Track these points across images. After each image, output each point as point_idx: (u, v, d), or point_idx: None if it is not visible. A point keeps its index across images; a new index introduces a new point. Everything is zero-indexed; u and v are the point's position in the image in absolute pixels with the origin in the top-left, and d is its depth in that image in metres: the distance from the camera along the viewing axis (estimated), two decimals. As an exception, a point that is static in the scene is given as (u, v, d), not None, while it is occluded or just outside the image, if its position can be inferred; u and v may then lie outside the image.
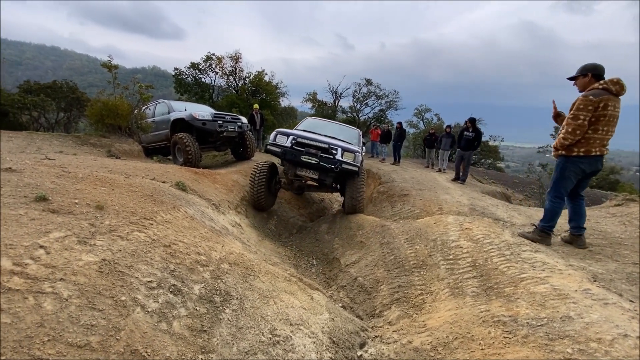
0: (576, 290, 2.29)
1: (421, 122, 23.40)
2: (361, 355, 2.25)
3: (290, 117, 18.85)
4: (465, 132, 8.68)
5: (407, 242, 4.06)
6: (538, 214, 5.00)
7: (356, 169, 4.90)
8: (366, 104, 18.76)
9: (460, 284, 2.95)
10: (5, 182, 1.83)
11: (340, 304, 3.51)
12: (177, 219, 2.44)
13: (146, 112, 9.73)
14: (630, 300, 2.21)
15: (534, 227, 3.53)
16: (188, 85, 16.34)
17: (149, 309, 1.37)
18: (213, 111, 8.92)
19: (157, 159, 7.13)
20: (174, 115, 8.61)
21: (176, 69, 16.43)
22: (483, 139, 20.43)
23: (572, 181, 3.17)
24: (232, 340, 1.52)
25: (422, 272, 3.44)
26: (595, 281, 2.52)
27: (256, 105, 12.10)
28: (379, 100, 18.40)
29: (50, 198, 1.80)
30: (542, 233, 3.40)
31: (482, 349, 1.88)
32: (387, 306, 3.18)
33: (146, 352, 1.22)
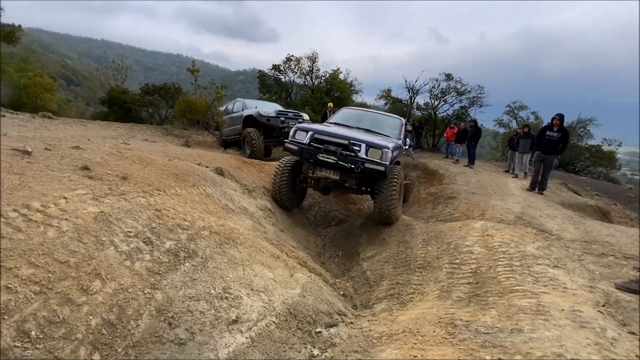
0: (562, 310, 2.05)
1: (514, 120, 20.72)
2: (320, 331, 2.43)
3: (363, 114, 18.92)
4: (548, 132, 7.46)
5: (423, 243, 3.95)
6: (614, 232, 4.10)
7: (382, 168, 4.21)
8: (444, 101, 17.55)
9: (452, 288, 2.84)
10: (68, 155, 2.61)
11: (341, 292, 3.68)
12: (190, 194, 3.00)
13: (228, 108, 11.18)
14: (631, 333, 1.87)
15: None
16: (270, 85, 17.91)
17: (120, 250, 1.86)
18: (278, 109, 9.75)
19: (231, 151, 8.24)
20: (245, 112, 9.76)
21: (260, 71, 18.18)
22: (596, 142, 16.94)
23: None
24: (181, 286, 1.93)
25: (423, 273, 3.36)
26: (603, 305, 2.17)
27: (331, 104, 12.60)
28: (460, 97, 16.99)
29: (91, 168, 2.51)
30: None
31: (414, 344, 1.89)
32: (379, 300, 3.24)
33: (106, 276, 1.71)
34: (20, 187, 1.91)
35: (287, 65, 18.27)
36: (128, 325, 1.61)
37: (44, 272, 1.57)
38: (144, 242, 2.00)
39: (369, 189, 4.92)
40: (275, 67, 18.14)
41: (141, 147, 4.33)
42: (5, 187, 1.86)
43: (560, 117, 7.31)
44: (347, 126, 5.27)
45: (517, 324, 1.88)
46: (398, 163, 4.96)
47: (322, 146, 4.33)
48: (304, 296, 2.66)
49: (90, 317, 1.55)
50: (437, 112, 18.04)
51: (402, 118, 6.00)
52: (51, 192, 1.98)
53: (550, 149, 7.31)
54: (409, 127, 6.84)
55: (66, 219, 1.83)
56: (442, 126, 18.22)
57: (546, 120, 20.32)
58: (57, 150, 2.66)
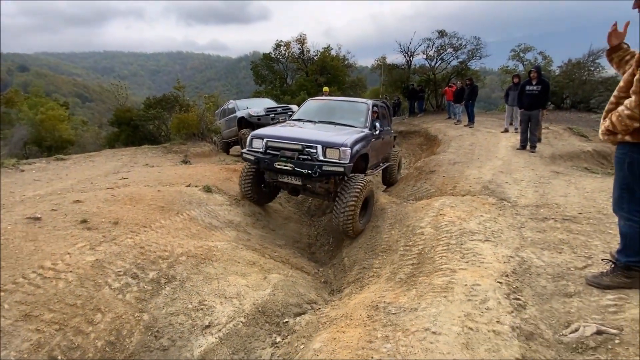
0: (465, 285, 2.51)
1: (521, 65, 19.76)
2: (287, 321, 3.04)
3: (359, 88, 18.79)
4: (527, 86, 7.43)
5: (389, 226, 4.41)
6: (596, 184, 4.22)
7: (341, 169, 3.98)
8: (441, 59, 17.05)
9: (398, 270, 3.33)
10: (70, 211, 3.28)
11: (323, 279, 4.29)
12: (174, 223, 3.63)
13: (224, 109, 11.67)
14: (516, 299, 2.31)
15: (612, 263, 2.32)
16: (264, 76, 18.13)
17: (113, 287, 2.52)
18: (267, 106, 10.15)
19: (230, 159, 8.85)
20: (238, 114, 10.28)
21: (252, 62, 18.36)
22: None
23: None
24: (163, 306, 2.57)
25: (384, 257, 3.86)
26: (506, 276, 2.60)
27: (326, 88, 12.76)
28: (457, 52, 16.44)
29: (88, 220, 3.16)
30: (630, 272, 2.21)
31: (341, 327, 2.43)
32: (348, 285, 3.80)
33: (104, 309, 2.37)
34: (35, 252, 2.58)
35: (277, 52, 18.30)
36: (124, 342, 2.27)
37: (60, 314, 2.24)
38: (131, 277, 2.65)
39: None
40: (267, 56, 18.24)
41: (137, 179, 5.01)
42: (25, 254, 2.54)
43: (537, 69, 7.26)
44: (312, 121, 5.18)
45: (419, 303, 2.37)
46: (365, 156, 4.86)
47: (278, 152, 4.20)
48: (274, 294, 3.26)
49: (97, 341, 2.21)
50: (435, 73, 17.60)
51: (368, 101, 5.66)
52: (58, 250, 2.65)
53: (533, 104, 7.31)
54: (381, 105, 6.24)
55: (71, 271, 2.49)
56: (443, 85, 17.82)
57: (556, 60, 19.13)
58: (61, 209, 3.34)
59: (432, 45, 16.32)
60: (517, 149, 7.75)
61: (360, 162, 4.78)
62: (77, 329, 2.21)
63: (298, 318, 3.09)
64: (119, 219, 3.28)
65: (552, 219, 3.63)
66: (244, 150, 4.55)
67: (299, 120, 5.39)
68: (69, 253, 2.65)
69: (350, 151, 4.12)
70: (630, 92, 1.97)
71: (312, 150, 4.10)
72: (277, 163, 4.19)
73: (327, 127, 4.93)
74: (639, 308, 1.99)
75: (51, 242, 2.74)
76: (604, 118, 2.19)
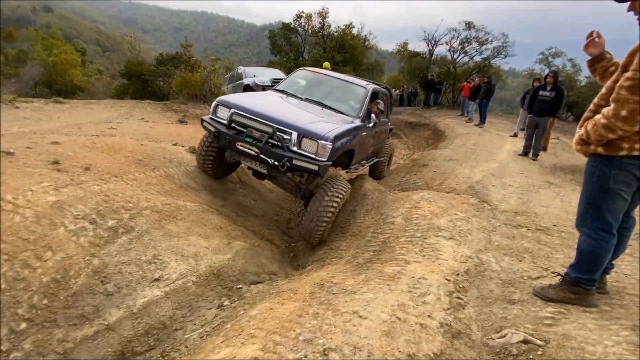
0: (413, 277, 2.51)
1: (547, 70, 18.90)
2: (241, 287, 3.09)
3: (376, 71, 18.29)
4: (541, 91, 7.12)
5: (364, 212, 4.39)
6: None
7: (315, 167, 3.24)
8: (464, 52, 16.39)
9: (360, 254, 3.34)
10: (45, 151, 3.32)
11: (292, 254, 4.34)
12: (147, 178, 3.65)
13: (233, 75, 11.53)
14: (458, 298, 2.30)
15: (561, 277, 2.24)
16: (280, 46, 17.71)
17: (69, 229, 2.57)
18: (274, 77, 9.98)
19: None
20: (244, 82, 10.16)
21: (270, 31, 17.90)
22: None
23: (623, 199, 1.93)
24: (116, 254, 2.63)
25: (352, 241, 3.86)
26: (457, 275, 2.58)
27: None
28: (481, 47, 15.76)
29: (60, 162, 3.20)
30: (576, 289, 2.12)
31: (283, 299, 2.47)
32: (313, 262, 3.83)
33: (56, 248, 2.43)
34: (-2, 184, 2.63)
35: (297, 23, 17.78)
36: (69, 282, 2.34)
37: (11, 246, 2.30)
38: (89, 222, 2.70)
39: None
40: (286, 26, 17.75)
41: (126, 131, 5.03)
42: (-12, 185, 2.59)
43: (555, 74, 6.92)
44: (297, 97, 4.39)
45: (361, 287, 2.38)
46: (351, 152, 4.09)
47: (244, 130, 3.45)
48: (234, 260, 3.31)
49: (43, 276, 2.28)
50: (456, 66, 16.98)
51: (369, 85, 4.78)
52: (22, 186, 2.70)
53: (543, 110, 7.04)
54: (383, 91, 5.29)
55: (29, 207, 2.54)
56: (463, 80, 17.24)
57: (585, 70, 18.26)
58: (37, 148, 3.38)
59: (457, 37, 15.64)
60: (519, 154, 7.53)
61: (343, 157, 4.07)
62: (26, 262, 2.28)
63: (252, 286, 3.14)
64: (92, 165, 3.32)
65: (526, 227, 3.56)
66: (205, 118, 3.74)
67: (283, 92, 4.55)
68: (31, 190, 2.70)
69: (331, 146, 3.33)
70: (611, 99, 1.83)
71: (284, 137, 3.35)
72: (239, 143, 3.42)
73: (313, 108, 4.13)
74: (573, 324, 1.96)
75: (17, 178, 2.79)
76: (580, 126, 2.06)
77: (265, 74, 10.59)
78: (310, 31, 17.71)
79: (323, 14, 17.01)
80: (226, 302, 2.86)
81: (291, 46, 18.03)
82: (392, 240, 3.37)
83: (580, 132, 2.03)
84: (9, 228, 2.37)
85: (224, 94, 10.01)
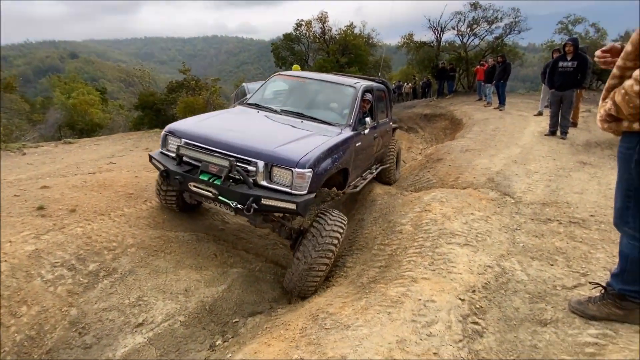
0: (419, 300, 2.17)
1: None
2: (237, 321, 2.85)
3: (384, 68, 17.78)
4: (560, 62, 6.42)
5: (372, 221, 4.05)
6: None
7: (293, 206, 2.46)
8: (474, 35, 15.55)
9: (365, 272, 3.01)
10: (32, 197, 3.28)
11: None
12: (138, 211, 3.52)
13: (237, 93, 11.55)
14: (474, 323, 1.92)
15: (602, 289, 1.82)
16: (284, 57, 17.72)
17: (45, 279, 2.44)
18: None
19: None
20: (248, 98, 10.09)
21: (273, 44, 17.97)
22: None
23: None
24: (96, 301, 2.47)
25: (358, 255, 3.53)
26: (473, 292, 2.19)
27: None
28: (491, 27, 14.88)
29: (46, 206, 3.13)
30: (624, 303, 1.71)
31: (272, 337, 2.18)
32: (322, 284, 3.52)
33: (31, 302, 2.30)
34: (-24, 239, 2.56)
35: (299, 32, 17.74)
36: (44, 338, 2.19)
37: (-16, 305, 2.19)
38: (68, 268, 2.56)
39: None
40: (287, 37, 17.76)
41: (125, 164, 5.01)
42: (-34, 241, 2.53)
43: (574, 41, 6.22)
44: (273, 110, 3.64)
45: (357, 319, 2.04)
46: (345, 171, 3.33)
47: (199, 164, 2.67)
48: (229, 290, 3.07)
49: (16, 335, 2.15)
50: (467, 50, 16.15)
51: (359, 84, 3.94)
52: (2, 238, 2.62)
53: (566, 83, 6.33)
54: (378, 88, 4.50)
55: (5, 261, 2.44)
56: (476, 64, 16.36)
57: (611, 34, 16.80)
58: (25, 194, 3.35)
59: (464, 20, 14.87)
60: (545, 135, 6.83)
61: (336, 177, 3.26)
62: (-1, 321, 2.15)
63: (250, 319, 2.89)
64: (78, 206, 3.23)
65: (557, 220, 3.05)
66: (152, 153, 2.95)
67: (255, 105, 3.86)
68: (10, 241, 2.61)
69: (311, 174, 2.53)
70: (621, 63, 1.41)
71: (249, 168, 2.56)
72: (192, 183, 2.64)
73: (289, 123, 3.34)
74: (624, 352, 1.52)
75: (-2, 230, 2.72)
76: (604, 99, 1.62)
77: (268, 87, 10.46)
78: (312, 38, 17.59)
79: (322, 19, 16.86)
80: (219, 342, 2.61)
81: (295, 55, 17.97)
82: (399, 252, 2.99)
83: (606, 105, 1.58)
84: (-17, 285, 2.27)
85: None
